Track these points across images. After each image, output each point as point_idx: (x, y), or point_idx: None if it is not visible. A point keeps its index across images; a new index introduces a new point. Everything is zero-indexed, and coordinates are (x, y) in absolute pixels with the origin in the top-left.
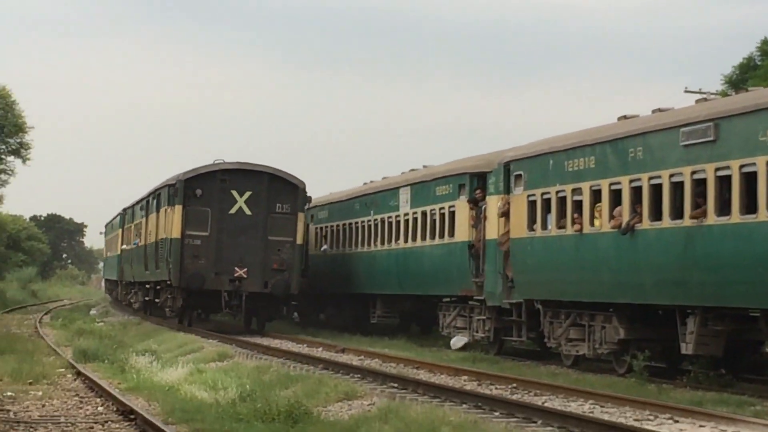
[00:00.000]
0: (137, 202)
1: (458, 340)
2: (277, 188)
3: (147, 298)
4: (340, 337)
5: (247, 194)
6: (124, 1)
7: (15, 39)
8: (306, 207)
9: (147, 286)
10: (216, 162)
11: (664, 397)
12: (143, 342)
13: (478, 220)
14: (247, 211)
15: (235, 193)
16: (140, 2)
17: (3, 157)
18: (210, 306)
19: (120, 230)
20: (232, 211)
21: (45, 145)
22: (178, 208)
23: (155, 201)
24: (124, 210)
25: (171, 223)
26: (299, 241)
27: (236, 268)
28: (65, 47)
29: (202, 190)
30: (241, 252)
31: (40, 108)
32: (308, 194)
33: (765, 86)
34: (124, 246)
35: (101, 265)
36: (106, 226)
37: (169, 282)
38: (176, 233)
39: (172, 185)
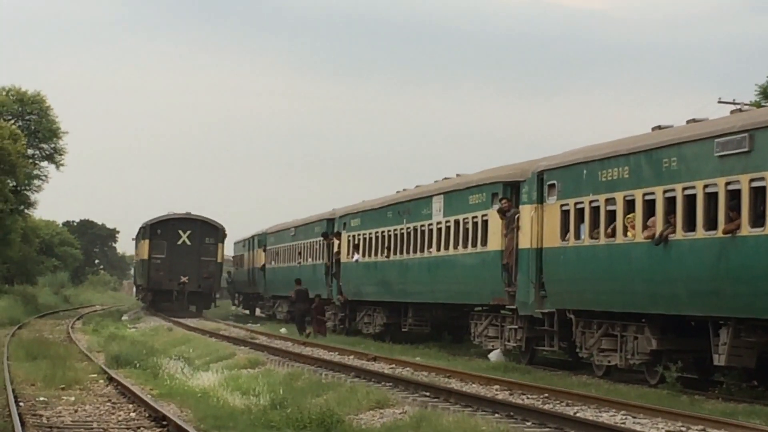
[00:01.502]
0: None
1: (496, 355)
2: (206, 229)
3: (140, 296)
4: (372, 345)
5: (188, 232)
6: (161, 7)
7: (50, 44)
8: (224, 240)
9: (141, 287)
10: (169, 214)
11: (697, 408)
12: (175, 348)
13: (508, 230)
14: (188, 243)
15: (180, 231)
16: (177, 8)
17: (37, 162)
18: (166, 299)
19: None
20: (179, 242)
21: (79, 151)
22: (146, 241)
23: (139, 235)
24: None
25: (143, 250)
26: (219, 260)
27: (181, 276)
28: (100, 52)
29: (160, 230)
30: (184, 267)
31: (74, 113)
32: (226, 232)
33: None
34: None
35: (132, 271)
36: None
37: (141, 285)
38: (145, 256)
39: (143, 227)
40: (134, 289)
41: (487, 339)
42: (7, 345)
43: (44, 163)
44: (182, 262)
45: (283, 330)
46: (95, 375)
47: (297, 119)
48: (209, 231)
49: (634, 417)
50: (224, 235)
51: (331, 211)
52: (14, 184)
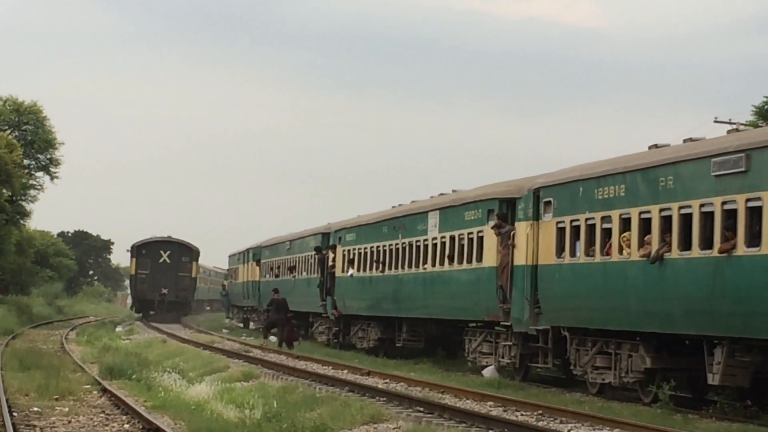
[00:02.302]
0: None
1: (490, 372)
2: (182, 249)
3: (133, 307)
4: (366, 359)
5: (168, 252)
6: (160, 20)
7: (48, 54)
8: (198, 258)
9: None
10: (152, 237)
11: (690, 427)
12: (169, 360)
13: (503, 246)
14: (168, 261)
15: (162, 251)
16: (173, 21)
17: (33, 173)
18: (150, 308)
19: None
20: (161, 261)
21: (74, 162)
22: (134, 260)
23: (130, 254)
24: None
25: (132, 266)
26: (194, 275)
27: (162, 288)
28: (98, 64)
29: (145, 250)
30: (164, 281)
31: (70, 124)
32: (199, 251)
33: None
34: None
35: (127, 283)
36: None
37: (132, 295)
38: (133, 271)
39: (131, 247)
40: (129, 300)
41: (481, 355)
42: (1, 355)
43: (40, 174)
44: (163, 277)
45: (272, 339)
46: (89, 386)
47: (294, 134)
48: (185, 251)
49: None
50: (198, 254)
51: (326, 225)
52: (10, 193)
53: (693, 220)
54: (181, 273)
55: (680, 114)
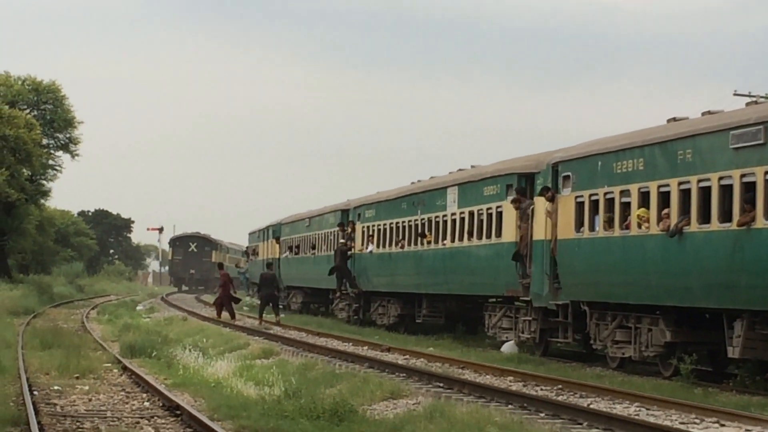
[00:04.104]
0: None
1: (510, 347)
2: (205, 241)
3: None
4: (386, 335)
5: (195, 243)
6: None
7: (66, 34)
8: (217, 247)
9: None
10: (184, 233)
11: (710, 400)
12: (189, 338)
13: (522, 221)
14: (195, 250)
15: (190, 243)
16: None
17: (52, 152)
18: (183, 283)
19: None
20: (189, 250)
21: (94, 141)
22: (171, 249)
23: (168, 245)
24: None
25: (170, 253)
26: (213, 260)
27: (190, 269)
28: (117, 43)
29: (179, 242)
30: (192, 264)
31: (89, 103)
32: (218, 242)
33: None
34: None
35: (147, 260)
36: None
37: (169, 273)
38: (170, 257)
39: (169, 241)
40: (150, 278)
41: (501, 330)
42: (22, 334)
43: (59, 153)
44: (191, 261)
45: (282, 315)
46: (109, 364)
47: (312, 111)
48: (207, 243)
49: (647, 409)
50: (217, 245)
51: (345, 202)
52: (30, 173)
53: (712, 193)
54: (204, 258)
55: (700, 87)
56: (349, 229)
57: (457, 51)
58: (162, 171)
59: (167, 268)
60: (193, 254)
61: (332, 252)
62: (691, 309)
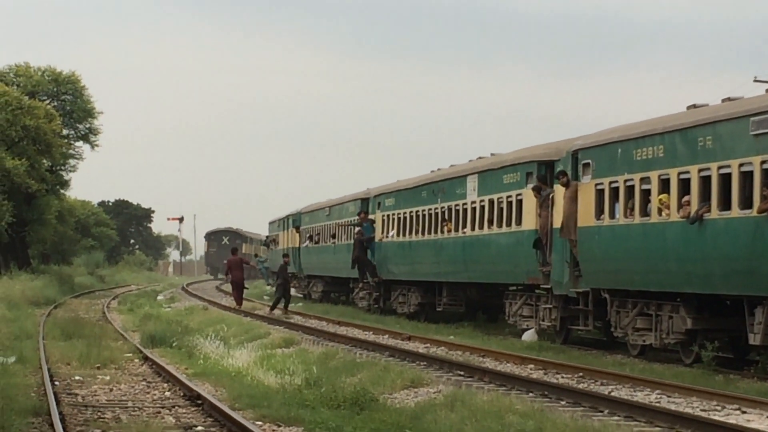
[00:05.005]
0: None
1: (530, 335)
2: (236, 235)
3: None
4: (407, 324)
5: (228, 237)
6: None
7: (86, 24)
8: (246, 240)
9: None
10: (218, 228)
11: (732, 387)
12: (210, 327)
13: (543, 209)
14: (227, 243)
15: (223, 236)
16: None
17: (72, 142)
18: (218, 272)
19: None
20: (222, 243)
21: (114, 131)
22: (206, 242)
23: (203, 237)
24: None
25: (205, 246)
26: (243, 251)
27: (223, 260)
28: (137, 33)
29: (213, 236)
30: (224, 255)
31: (109, 93)
32: (247, 236)
33: None
34: None
35: (168, 250)
36: None
37: (206, 263)
38: (206, 249)
39: (205, 235)
40: (171, 268)
41: (521, 318)
42: (43, 324)
43: (79, 143)
44: (223, 253)
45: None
46: (130, 354)
47: (333, 100)
48: (238, 236)
49: (668, 396)
50: (247, 238)
51: (365, 191)
52: (50, 163)
53: (732, 180)
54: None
55: (720, 74)
56: (360, 218)
57: (477, 39)
58: (182, 161)
59: (203, 258)
60: (225, 247)
61: (352, 241)
62: (711, 296)
